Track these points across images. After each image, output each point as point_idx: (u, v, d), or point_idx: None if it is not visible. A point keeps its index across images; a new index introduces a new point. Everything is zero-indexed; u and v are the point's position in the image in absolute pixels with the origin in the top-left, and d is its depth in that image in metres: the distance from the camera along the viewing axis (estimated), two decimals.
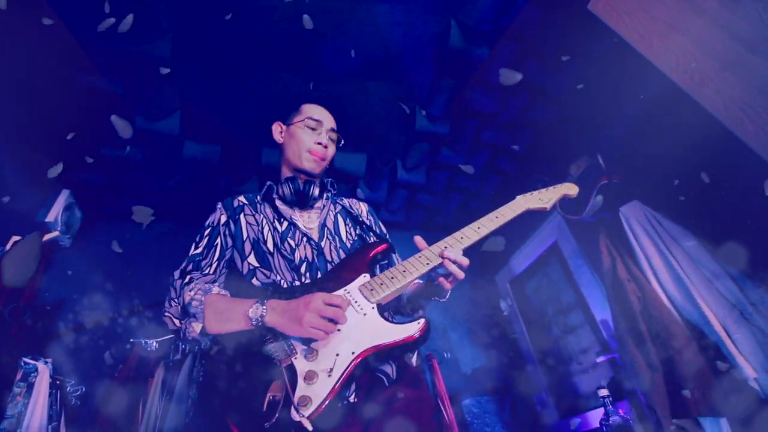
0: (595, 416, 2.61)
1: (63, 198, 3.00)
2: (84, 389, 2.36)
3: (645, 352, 1.75)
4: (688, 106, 1.68)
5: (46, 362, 2.03)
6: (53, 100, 2.52)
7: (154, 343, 2.55)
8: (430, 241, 1.11)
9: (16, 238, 2.14)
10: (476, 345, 3.44)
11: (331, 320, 0.91)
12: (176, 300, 1.06)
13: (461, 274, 1.01)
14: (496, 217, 1.15)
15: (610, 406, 1.90)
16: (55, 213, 2.89)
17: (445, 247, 1.04)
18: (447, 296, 1.13)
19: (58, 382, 2.09)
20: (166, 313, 1.07)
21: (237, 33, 2.41)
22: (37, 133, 2.67)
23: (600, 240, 2.19)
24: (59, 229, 2.79)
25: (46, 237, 2.29)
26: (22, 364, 1.87)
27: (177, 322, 1.05)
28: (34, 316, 2.05)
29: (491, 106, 2.91)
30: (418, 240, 1.09)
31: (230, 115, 2.83)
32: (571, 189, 1.31)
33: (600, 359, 2.56)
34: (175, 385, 2.21)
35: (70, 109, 2.61)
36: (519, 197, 1.25)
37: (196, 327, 0.99)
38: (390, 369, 1.05)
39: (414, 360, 1.20)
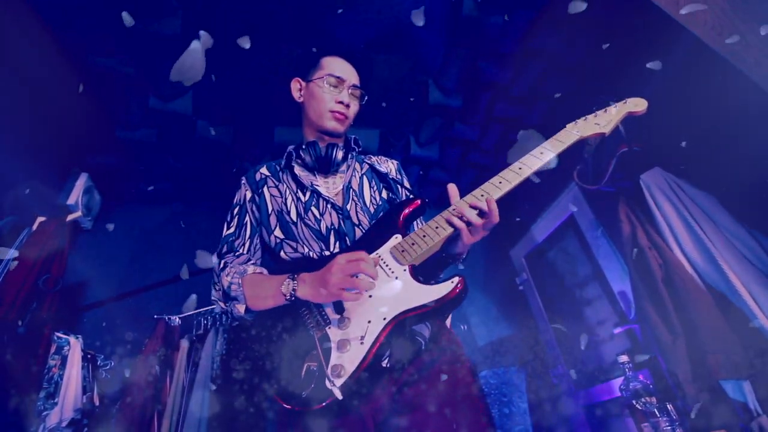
0: (613, 386, 2.62)
1: (82, 181, 3.06)
2: (113, 363, 2.45)
3: (666, 319, 1.74)
4: (716, 67, 1.62)
5: (77, 337, 2.11)
6: (67, 84, 2.54)
7: (177, 319, 2.63)
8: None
9: (41, 218, 2.20)
10: (492, 318, 3.46)
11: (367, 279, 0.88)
12: (218, 285, 1.07)
13: (479, 232, 0.94)
14: (541, 153, 1.00)
15: (630, 373, 1.91)
16: (75, 196, 2.95)
17: (482, 195, 0.96)
18: (466, 255, 1.05)
19: (89, 356, 2.17)
20: (213, 297, 1.08)
21: (247, 8, 2.38)
22: (54, 116, 2.70)
23: (619, 208, 2.15)
24: (80, 210, 2.85)
25: (70, 217, 2.35)
26: (55, 338, 1.95)
27: (223, 304, 1.06)
28: (63, 291, 2.12)
29: (504, 77, 2.84)
30: (452, 188, 1.01)
31: (242, 93, 2.82)
32: (638, 104, 1.09)
33: (617, 330, 2.56)
34: (200, 358, 2.28)
35: (84, 92, 2.63)
36: (568, 125, 1.07)
37: (240, 308, 1.01)
38: (426, 331, 1.03)
39: (448, 321, 1.18)
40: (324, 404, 0.83)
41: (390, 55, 2.71)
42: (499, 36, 2.59)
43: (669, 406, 1.67)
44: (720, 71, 1.66)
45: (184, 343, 2.35)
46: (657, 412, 1.68)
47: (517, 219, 3.55)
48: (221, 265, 1.09)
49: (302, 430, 0.90)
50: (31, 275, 1.80)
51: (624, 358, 1.96)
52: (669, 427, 1.61)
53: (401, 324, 0.89)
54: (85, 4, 2.23)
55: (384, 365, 0.95)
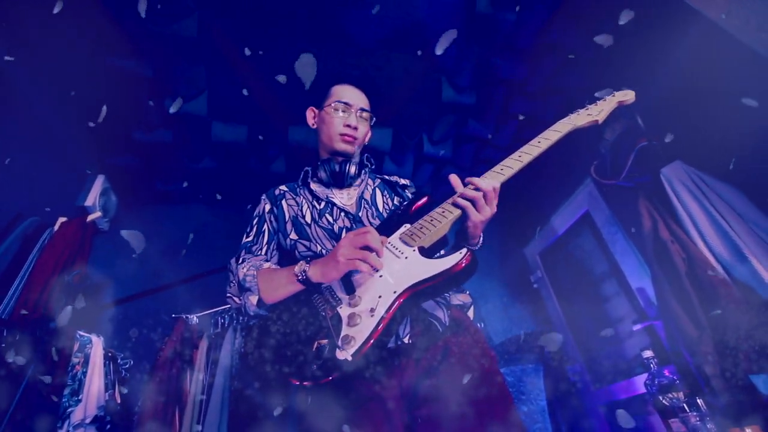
0: (632, 384, 2.58)
1: (99, 183, 3.10)
2: (132, 362, 2.48)
3: (691, 313, 1.71)
4: (739, 57, 1.59)
5: (99, 335, 2.13)
6: (85, 86, 2.57)
7: (195, 318, 2.65)
8: None
9: (62, 219, 2.23)
10: (508, 316, 3.44)
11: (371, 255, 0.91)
12: (233, 280, 1.12)
13: (485, 208, 0.97)
14: (539, 143, 1.07)
15: (655, 368, 1.88)
16: (93, 197, 2.99)
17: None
18: (480, 242, 1.08)
19: (110, 354, 2.19)
20: (228, 294, 1.12)
21: (262, 8, 2.39)
22: (71, 119, 2.74)
23: (639, 203, 2.13)
24: (98, 211, 2.89)
25: (90, 217, 2.38)
26: (78, 336, 1.97)
27: (237, 299, 1.09)
28: (84, 291, 2.14)
29: (519, 73, 2.83)
30: (454, 179, 1.06)
31: (256, 94, 2.83)
32: (626, 95, 1.16)
33: (637, 327, 2.52)
34: (219, 356, 2.30)
35: (102, 94, 2.66)
36: (563, 118, 1.15)
37: (253, 300, 1.04)
38: (441, 314, 1.06)
39: (470, 313, 1.20)
40: (335, 376, 0.84)
41: (403, 52, 2.71)
42: (513, 31, 2.58)
43: (699, 401, 1.64)
44: (742, 61, 1.63)
45: (204, 342, 2.36)
46: (686, 407, 1.65)
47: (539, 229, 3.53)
48: (239, 261, 1.15)
49: (326, 410, 0.90)
50: (56, 272, 1.83)
51: (648, 354, 1.93)
52: (699, 422, 1.59)
53: (413, 297, 0.91)
54: (100, 4, 2.26)
55: (407, 341, 0.97)
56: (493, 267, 3.68)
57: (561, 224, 3.38)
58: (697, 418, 1.60)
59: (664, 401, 1.74)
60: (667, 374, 1.82)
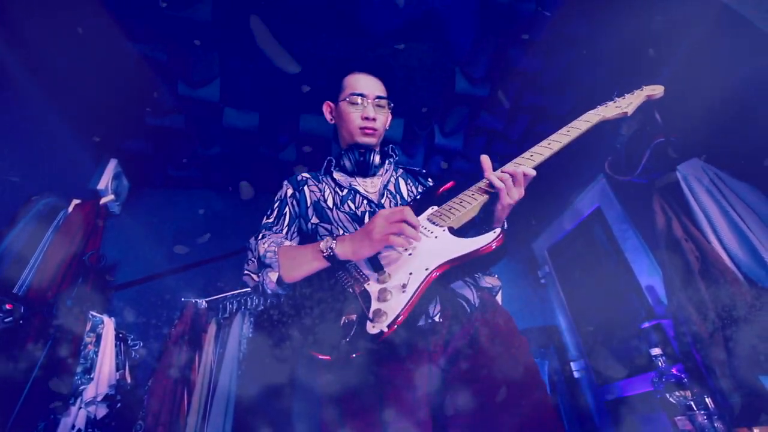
0: (636, 382, 2.58)
1: (112, 167, 3.12)
2: (142, 344, 2.52)
3: (703, 312, 1.70)
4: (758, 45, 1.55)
5: (111, 316, 2.16)
6: (100, 69, 2.58)
7: (204, 303, 2.68)
8: None
9: (76, 201, 2.25)
10: (513, 311, 3.43)
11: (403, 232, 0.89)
12: (253, 256, 1.09)
13: (513, 190, 0.98)
14: (568, 132, 1.08)
15: (663, 366, 1.87)
16: (105, 181, 3.02)
17: (515, 166, 1.01)
18: (505, 226, 1.06)
19: (121, 335, 2.23)
20: (246, 272, 1.09)
21: None
22: (85, 102, 2.75)
23: (653, 200, 2.10)
24: (111, 195, 2.92)
25: (103, 200, 2.40)
26: (90, 316, 2.01)
27: (255, 277, 1.06)
28: (96, 272, 2.17)
29: (534, 65, 2.79)
30: (485, 160, 1.05)
31: (269, 81, 2.82)
32: (655, 90, 1.18)
33: (645, 325, 2.51)
34: (227, 341, 2.33)
35: (116, 78, 2.67)
36: (591, 110, 1.15)
37: (273, 276, 1.00)
38: (470, 294, 1.04)
39: (499, 297, 1.19)
40: (363, 351, 0.81)
41: (418, 42, 2.68)
42: (530, 23, 2.54)
43: (707, 400, 1.63)
44: (761, 51, 1.59)
45: (213, 325, 2.40)
46: (694, 406, 1.64)
47: (533, 222, 3.54)
48: (259, 237, 1.13)
49: (353, 386, 0.88)
50: (71, 252, 1.85)
51: (657, 351, 1.92)
52: (707, 421, 1.58)
53: (444, 276, 0.89)
54: None
55: (438, 320, 0.96)
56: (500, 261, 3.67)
57: (571, 220, 3.36)
58: (705, 417, 1.59)
59: (671, 399, 1.73)
60: (675, 372, 1.82)
